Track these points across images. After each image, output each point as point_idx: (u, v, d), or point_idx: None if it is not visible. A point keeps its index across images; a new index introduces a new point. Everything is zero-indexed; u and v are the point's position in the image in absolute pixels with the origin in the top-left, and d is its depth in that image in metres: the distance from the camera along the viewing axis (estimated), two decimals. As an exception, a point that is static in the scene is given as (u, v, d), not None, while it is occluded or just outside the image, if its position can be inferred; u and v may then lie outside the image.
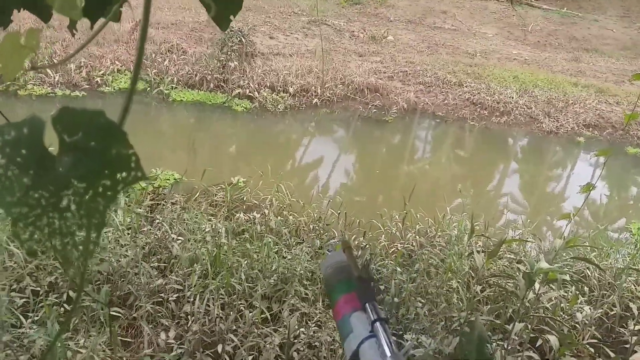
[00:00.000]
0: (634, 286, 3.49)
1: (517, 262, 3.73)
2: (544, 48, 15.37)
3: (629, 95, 10.34)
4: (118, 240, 3.28)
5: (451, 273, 3.50)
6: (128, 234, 3.47)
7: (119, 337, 2.62)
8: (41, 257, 2.90)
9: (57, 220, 0.45)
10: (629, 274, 3.58)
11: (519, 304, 2.86)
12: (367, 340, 0.72)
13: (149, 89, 8.16)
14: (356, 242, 4.09)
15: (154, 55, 9.23)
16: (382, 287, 3.42)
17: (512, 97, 9.53)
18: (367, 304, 0.76)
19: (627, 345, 2.93)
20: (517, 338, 2.85)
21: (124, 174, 0.45)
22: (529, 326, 2.91)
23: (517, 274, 3.56)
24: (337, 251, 0.91)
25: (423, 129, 8.78)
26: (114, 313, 2.73)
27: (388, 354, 0.68)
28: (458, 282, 3.38)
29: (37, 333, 2.26)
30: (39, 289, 2.70)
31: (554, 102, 9.59)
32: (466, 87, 10.01)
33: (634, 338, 2.60)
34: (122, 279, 3.00)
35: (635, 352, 2.60)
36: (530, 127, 8.80)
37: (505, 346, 2.69)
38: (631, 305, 3.22)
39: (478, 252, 3.60)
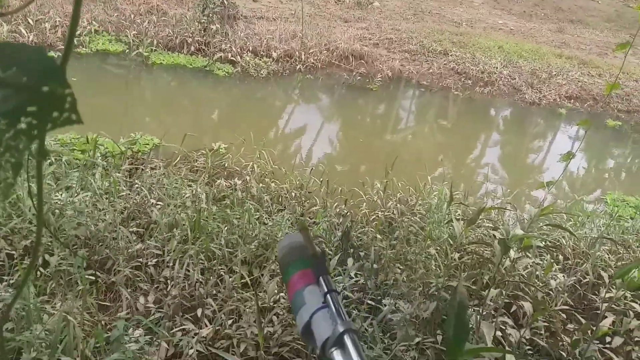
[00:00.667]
0: (607, 255, 3.58)
1: (494, 230, 3.78)
2: (530, 18, 15.30)
3: (611, 68, 10.41)
4: (96, 205, 3.23)
5: (430, 240, 3.54)
6: (106, 198, 3.42)
7: (97, 301, 2.61)
8: (16, 220, 2.85)
9: None
10: (602, 243, 3.67)
11: (494, 271, 2.91)
12: (320, 310, 0.72)
13: (127, 50, 7.93)
14: (337, 210, 4.10)
15: (132, 16, 8.95)
16: (362, 254, 3.45)
17: (497, 68, 9.52)
18: (320, 277, 0.76)
19: (598, 312, 3.02)
20: (492, 304, 2.91)
21: (54, 114, 0.42)
22: (504, 292, 2.97)
23: (494, 241, 3.62)
24: (292, 233, 0.90)
25: (407, 98, 8.74)
26: (91, 277, 2.71)
27: (339, 321, 0.68)
28: (436, 249, 3.43)
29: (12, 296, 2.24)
30: (14, 252, 2.66)
31: (537, 73, 9.61)
32: (451, 56, 9.95)
33: (605, 305, 2.68)
34: (100, 244, 2.96)
35: (606, 317, 2.68)
36: (513, 97, 8.83)
37: (481, 311, 2.75)
38: (603, 273, 3.31)
39: (457, 220, 3.64)
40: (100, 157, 4.05)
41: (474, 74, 9.29)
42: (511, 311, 3.01)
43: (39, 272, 2.56)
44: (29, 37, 7.50)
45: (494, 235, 3.53)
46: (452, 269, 3.31)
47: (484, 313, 2.80)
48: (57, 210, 3.06)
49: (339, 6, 13.05)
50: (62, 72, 0.42)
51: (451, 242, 3.57)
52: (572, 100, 8.91)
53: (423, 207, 4.21)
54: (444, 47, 10.39)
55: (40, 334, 2.06)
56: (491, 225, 3.94)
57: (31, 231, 2.83)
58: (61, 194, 3.22)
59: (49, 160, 3.66)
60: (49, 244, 2.78)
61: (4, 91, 0.41)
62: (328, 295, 0.73)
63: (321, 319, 0.71)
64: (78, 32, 8.04)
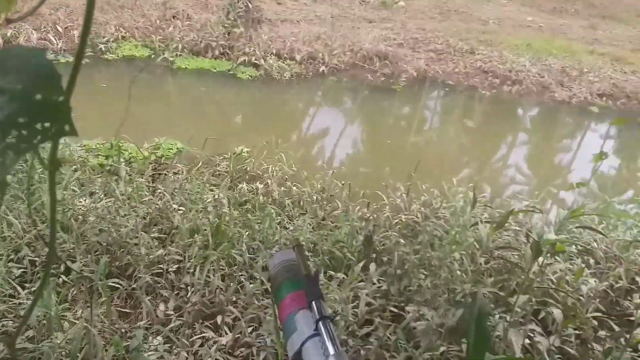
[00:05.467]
0: (642, 259, 3.42)
1: (524, 234, 3.66)
2: (560, 15, 14.91)
3: (646, 64, 10.03)
4: (118, 210, 3.26)
5: (455, 245, 3.44)
6: (128, 203, 3.44)
7: (118, 308, 2.62)
8: (39, 227, 2.89)
9: None
10: (636, 246, 3.51)
11: (523, 276, 2.81)
12: (311, 339, 0.68)
13: (153, 55, 8.04)
14: (359, 214, 4.04)
15: (158, 21, 9.07)
16: (384, 259, 3.38)
17: (525, 66, 9.28)
18: (313, 302, 0.72)
19: (632, 318, 2.89)
20: (520, 310, 2.81)
21: (46, 125, 0.38)
22: (533, 299, 2.86)
23: (523, 245, 3.50)
24: (285, 249, 0.86)
25: (432, 98, 8.61)
26: (112, 284, 2.72)
27: (331, 352, 0.63)
28: (462, 253, 3.33)
29: (35, 303, 2.26)
30: (36, 259, 2.69)
31: (567, 70, 9.33)
32: (478, 54, 9.76)
33: (639, 311, 2.55)
34: (122, 250, 2.98)
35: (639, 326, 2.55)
36: (542, 96, 8.59)
37: (508, 319, 2.65)
38: (637, 278, 3.16)
39: (482, 222, 3.54)
40: (124, 163, 4.09)
41: (501, 73, 9.08)
42: (539, 318, 2.90)
43: (61, 279, 2.58)
44: (57, 44, 7.68)
45: (525, 240, 3.42)
46: (479, 274, 3.21)
47: (512, 320, 2.69)
48: (80, 217, 3.10)
49: (363, 7, 12.98)
50: (57, 79, 0.39)
51: (477, 247, 3.47)
52: (605, 98, 8.61)
53: (448, 210, 4.11)
54: (470, 45, 10.20)
55: (61, 342, 2.07)
56: (519, 228, 3.81)
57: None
58: (85, 200, 3.26)
59: (73, 167, 3.72)
60: (72, 250, 2.81)
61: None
62: (320, 323, 0.69)
63: (312, 348, 0.67)
64: (105, 39, 8.19)
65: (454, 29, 11.39)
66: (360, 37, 9.85)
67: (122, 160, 4.13)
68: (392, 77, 8.64)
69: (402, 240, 3.51)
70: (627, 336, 2.38)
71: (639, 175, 6.54)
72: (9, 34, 7.72)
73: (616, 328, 2.66)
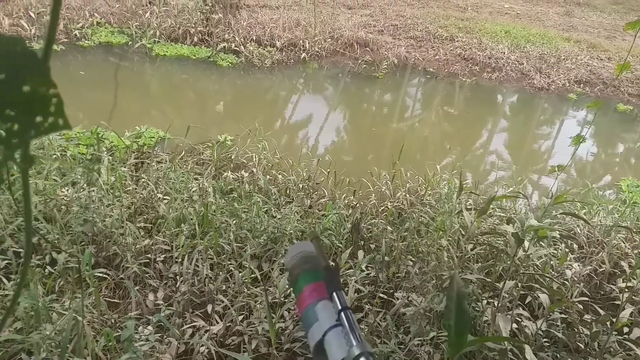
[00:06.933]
0: (623, 243, 3.51)
1: (507, 221, 3.72)
2: (536, 2, 15.07)
3: (620, 51, 10.24)
4: (102, 200, 3.18)
5: (441, 231, 3.48)
6: (112, 193, 3.37)
7: (106, 299, 2.57)
8: (22, 218, 2.80)
9: None
10: (618, 231, 3.60)
11: (509, 262, 2.85)
12: (333, 329, 0.68)
13: (130, 42, 7.86)
14: (346, 201, 4.04)
15: (134, 7, 8.85)
16: (372, 246, 3.40)
17: (504, 53, 9.38)
18: (334, 293, 0.71)
19: (617, 302, 2.96)
20: (507, 295, 2.85)
21: (38, 119, 0.35)
22: (519, 284, 2.91)
23: (507, 231, 3.55)
24: (302, 241, 0.85)
25: (413, 85, 8.63)
26: (100, 274, 2.67)
27: (354, 342, 0.63)
28: (448, 240, 3.37)
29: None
30: (20, 250, 2.62)
31: (545, 57, 9.46)
32: (457, 42, 9.81)
33: (624, 295, 2.61)
34: (108, 240, 2.92)
35: (624, 308, 2.62)
36: (521, 83, 8.70)
37: (496, 304, 2.69)
38: (622, 263, 3.24)
39: (468, 209, 3.58)
40: (105, 152, 4.00)
41: (481, 60, 9.15)
42: (526, 302, 2.95)
43: (46, 270, 2.52)
44: (31, 31, 7.43)
45: (507, 229, 3.47)
46: (465, 260, 3.24)
47: (499, 305, 2.74)
48: (63, 207, 3.02)
49: (342, -7, 12.88)
50: (46, 69, 0.36)
51: (463, 233, 3.51)
52: (582, 85, 8.77)
53: (433, 197, 4.15)
54: (450, 32, 10.24)
55: (50, 333, 2.03)
56: (503, 214, 3.87)
57: (38, 228, 2.79)
58: (67, 190, 3.18)
59: (54, 156, 3.62)
60: (56, 241, 2.74)
61: None
62: (342, 314, 0.68)
63: (335, 338, 0.67)
64: (80, 25, 7.96)
65: (432, 16, 11.41)
66: (340, 23, 9.79)
67: (103, 149, 4.03)
68: (373, 64, 8.63)
69: (389, 227, 3.53)
70: (613, 320, 2.44)
71: (616, 161, 6.69)
72: (-22, 20, 7.45)
73: (601, 312, 2.72)
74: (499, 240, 3.54)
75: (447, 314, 0.87)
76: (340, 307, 0.70)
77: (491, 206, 3.88)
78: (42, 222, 2.82)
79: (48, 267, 2.54)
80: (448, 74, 8.81)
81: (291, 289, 0.83)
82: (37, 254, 2.69)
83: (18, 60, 0.35)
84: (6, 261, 2.52)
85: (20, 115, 0.35)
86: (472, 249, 3.36)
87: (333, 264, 0.78)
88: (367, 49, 9.07)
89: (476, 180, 4.91)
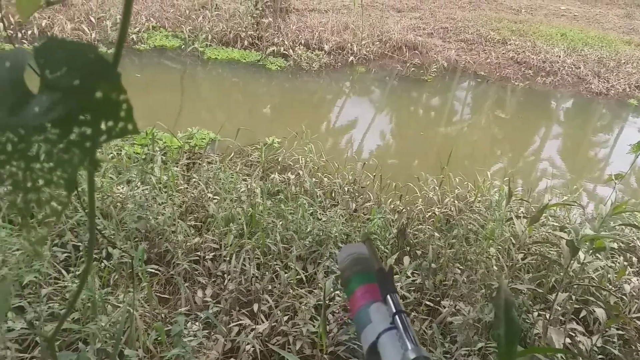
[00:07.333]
0: (688, 258, 3.31)
1: (560, 230, 3.58)
2: (595, 3, 14.47)
3: (687, 55, 9.67)
4: (155, 198, 3.30)
5: (491, 239, 3.39)
6: (165, 192, 3.48)
7: (157, 294, 2.66)
8: (82, 213, 2.94)
9: (21, 171, 0.37)
10: (682, 245, 3.40)
11: (562, 273, 2.74)
12: (387, 332, 0.67)
13: (183, 46, 8.10)
14: (392, 206, 4.00)
15: (188, 11, 9.13)
16: (418, 253, 3.35)
17: (559, 56, 9.05)
18: (388, 295, 0.70)
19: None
20: (560, 308, 2.75)
21: (109, 123, 0.37)
22: (573, 296, 2.80)
23: (561, 241, 3.42)
24: (354, 243, 0.85)
25: (463, 89, 8.46)
26: (152, 270, 2.76)
27: (409, 346, 0.61)
28: (498, 248, 3.28)
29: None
30: (79, 244, 2.75)
31: (604, 61, 9.06)
32: (510, 45, 9.55)
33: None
34: (160, 237, 3.02)
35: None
36: (577, 88, 8.37)
37: (548, 316, 2.60)
38: (685, 278, 3.05)
39: (518, 217, 3.47)
40: (159, 151, 4.14)
41: (534, 64, 8.87)
42: (580, 317, 2.83)
43: (102, 264, 2.63)
44: (91, 35, 7.79)
45: (561, 236, 3.33)
46: (516, 270, 3.15)
47: (552, 318, 2.64)
48: (118, 204, 3.15)
49: (391, -4, 12.80)
50: (117, 75, 0.37)
51: (513, 242, 3.40)
52: (643, 90, 8.34)
53: (483, 204, 4.05)
54: (502, 35, 9.98)
55: (105, 325, 2.11)
56: (557, 223, 3.73)
57: (95, 224, 2.91)
58: (122, 187, 3.31)
59: (110, 155, 3.77)
60: (112, 236, 2.86)
61: (52, 95, 0.36)
62: (397, 316, 0.68)
63: (389, 341, 0.66)
64: (137, 29, 8.28)
65: (484, 19, 11.17)
66: (389, 26, 9.73)
67: (156, 149, 4.17)
68: (422, 67, 8.52)
69: (436, 234, 3.47)
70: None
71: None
72: (43, 24, 7.88)
73: (661, 328, 2.58)
74: (551, 250, 3.42)
75: (495, 324, 0.85)
76: (395, 310, 0.70)
77: (544, 215, 3.76)
78: (99, 218, 2.95)
79: (104, 261, 2.65)
80: (500, 77, 8.59)
81: (339, 290, 0.83)
82: (94, 248, 2.81)
83: (91, 66, 0.37)
84: (66, 254, 2.65)
85: (93, 120, 0.37)
86: (523, 259, 3.25)
87: (388, 266, 0.77)
88: (416, 52, 8.97)
89: (528, 188, 4.75)
